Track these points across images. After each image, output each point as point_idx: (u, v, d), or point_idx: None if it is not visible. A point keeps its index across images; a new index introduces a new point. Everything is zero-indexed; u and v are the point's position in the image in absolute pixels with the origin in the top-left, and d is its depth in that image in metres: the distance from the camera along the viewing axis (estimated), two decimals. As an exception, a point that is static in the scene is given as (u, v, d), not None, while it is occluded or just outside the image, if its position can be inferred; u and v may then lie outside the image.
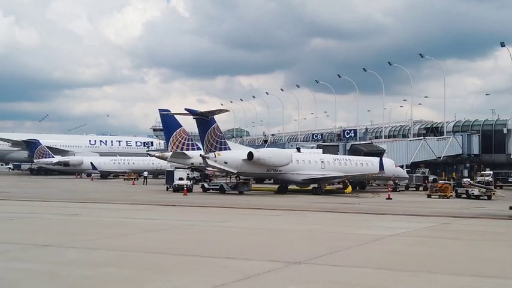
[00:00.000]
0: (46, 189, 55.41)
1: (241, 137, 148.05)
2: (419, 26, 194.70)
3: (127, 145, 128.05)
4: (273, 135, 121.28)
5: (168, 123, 73.17)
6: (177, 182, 52.16)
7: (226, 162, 48.08)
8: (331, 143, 72.95)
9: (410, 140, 73.69)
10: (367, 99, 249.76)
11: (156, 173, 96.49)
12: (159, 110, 74.32)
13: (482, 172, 68.40)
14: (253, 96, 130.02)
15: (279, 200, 41.72)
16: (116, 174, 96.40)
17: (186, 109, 51.08)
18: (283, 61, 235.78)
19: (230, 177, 68.78)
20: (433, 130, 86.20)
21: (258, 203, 37.43)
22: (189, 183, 51.84)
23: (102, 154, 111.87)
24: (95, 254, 15.36)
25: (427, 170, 70.06)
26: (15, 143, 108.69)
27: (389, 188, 51.78)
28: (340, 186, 57.04)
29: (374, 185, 65.50)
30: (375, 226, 23.40)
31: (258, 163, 48.23)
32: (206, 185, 52.58)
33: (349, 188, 53.64)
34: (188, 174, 55.71)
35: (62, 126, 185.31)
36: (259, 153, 49.10)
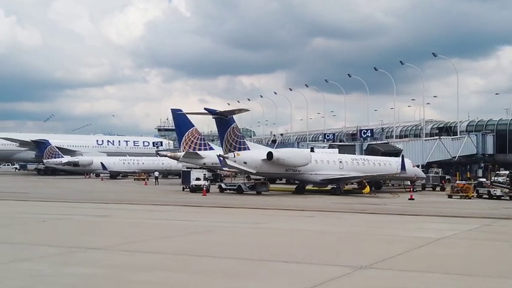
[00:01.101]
0: (61, 190, 54.85)
1: (250, 136, 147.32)
2: (421, 26, 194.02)
3: (134, 145, 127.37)
4: (281, 135, 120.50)
5: (180, 123, 72.60)
6: (194, 182, 51.51)
7: (245, 162, 47.48)
8: (348, 143, 72.15)
9: (425, 140, 72.96)
10: (370, 99, 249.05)
11: (165, 173, 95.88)
12: (171, 109, 73.64)
13: (497, 172, 67.64)
14: (261, 96, 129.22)
15: (302, 201, 41.08)
16: (125, 174, 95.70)
17: (205, 108, 50.60)
18: (285, 61, 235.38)
19: (248, 178, 68.34)
20: (446, 130, 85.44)
21: (283, 203, 36.75)
22: (206, 183, 51.22)
23: (109, 154, 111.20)
24: (150, 258, 14.76)
25: (440, 170, 69.30)
26: (23, 143, 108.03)
27: (410, 189, 51.05)
28: (355, 186, 56.39)
29: (390, 185, 64.76)
30: (418, 228, 22.79)
31: (278, 163, 47.62)
32: (223, 185, 51.92)
33: (367, 188, 53.08)
34: (205, 174, 55.04)
35: (65, 126, 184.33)
36: (279, 153, 48.50)
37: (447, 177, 66.96)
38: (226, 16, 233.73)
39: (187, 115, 66.88)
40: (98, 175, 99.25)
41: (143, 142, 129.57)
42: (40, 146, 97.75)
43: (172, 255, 15.28)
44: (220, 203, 36.02)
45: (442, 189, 60.14)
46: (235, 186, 51.22)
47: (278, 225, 23.18)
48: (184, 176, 55.80)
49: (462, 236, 19.99)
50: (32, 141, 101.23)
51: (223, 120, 47.51)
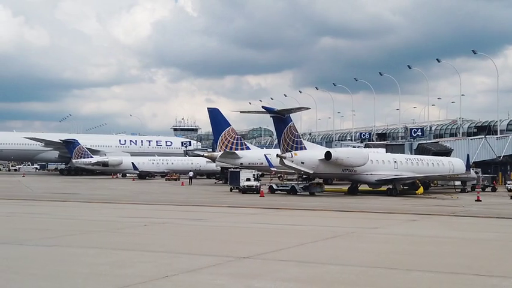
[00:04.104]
0: (107, 191, 53.68)
1: (271, 136, 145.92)
2: (428, 25, 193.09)
3: (157, 145, 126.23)
4: (310, 134, 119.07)
5: (217, 122, 71.42)
6: (245, 183, 50.22)
7: (302, 162, 46.17)
8: (396, 142, 70.60)
9: (471, 139, 71.37)
10: (376, 99, 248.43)
11: (194, 173, 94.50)
12: (208, 108, 72.77)
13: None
14: (285, 95, 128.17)
15: (370, 202, 39.67)
16: (152, 175, 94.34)
17: (263, 107, 49.38)
18: (292, 60, 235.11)
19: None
20: (485, 129, 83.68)
21: (359, 205, 35.33)
22: (258, 184, 49.97)
23: (133, 154, 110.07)
24: (322, 270, 13.41)
25: (479, 169, 67.67)
26: (48, 143, 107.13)
27: (478, 190, 49.44)
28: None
29: (439, 185, 63.22)
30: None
31: (336, 163, 46.24)
32: (274, 186, 50.51)
33: (421, 189, 51.67)
34: (254, 175, 53.68)
35: (74, 126, 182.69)
36: (337, 152, 47.13)
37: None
38: (233, 16, 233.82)
39: (240, 113, 65.53)
40: (124, 175, 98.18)
41: (166, 142, 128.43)
42: (69, 146, 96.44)
43: (342, 265, 13.92)
44: (294, 205, 34.52)
45: (493, 189, 58.63)
46: (287, 187, 49.81)
47: (399, 231, 21.81)
48: (233, 176, 54.46)
49: None
50: (61, 141, 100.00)
51: (281, 119, 46.15)
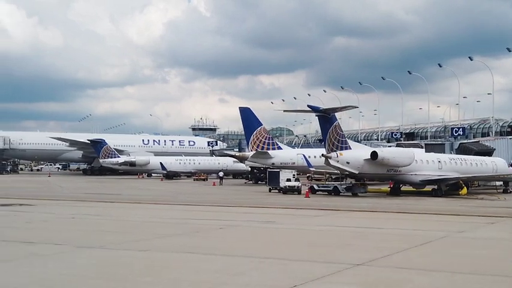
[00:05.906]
0: (145, 191, 53.06)
1: (297, 136, 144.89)
2: (442, 24, 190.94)
3: (180, 144, 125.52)
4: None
5: (248, 122, 70.44)
6: (286, 183, 49.21)
7: (348, 162, 45.09)
8: (436, 142, 69.19)
9: (511, 139, 69.85)
10: (395, 99, 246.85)
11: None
12: (239, 107, 71.65)
13: None
14: (309, 95, 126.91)
15: (420, 203, 38.54)
16: (179, 175, 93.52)
17: (308, 105, 48.33)
18: (305, 60, 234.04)
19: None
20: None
21: (413, 207, 34.22)
22: (299, 184, 48.97)
23: (156, 154, 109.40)
24: (453, 278, 12.54)
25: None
26: (73, 143, 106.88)
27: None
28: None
29: (478, 185, 61.74)
30: None
31: (382, 163, 45.11)
32: (316, 187, 49.42)
33: (465, 190, 50.30)
34: (294, 175, 52.60)
35: (92, 126, 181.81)
36: (384, 152, 46.00)
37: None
38: (246, 15, 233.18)
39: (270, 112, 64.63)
40: (150, 175, 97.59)
41: (189, 141, 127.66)
42: (97, 146, 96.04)
43: (471, 274, 13.00)
44: (348, 207, 33.42)
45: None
46: (329, 187, 48.67)
47: (488, 234, 20.74)
48: (272, 176, 53.50)
49: None
50: (89, 141, 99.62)
51: (326, 118, 45.12)
